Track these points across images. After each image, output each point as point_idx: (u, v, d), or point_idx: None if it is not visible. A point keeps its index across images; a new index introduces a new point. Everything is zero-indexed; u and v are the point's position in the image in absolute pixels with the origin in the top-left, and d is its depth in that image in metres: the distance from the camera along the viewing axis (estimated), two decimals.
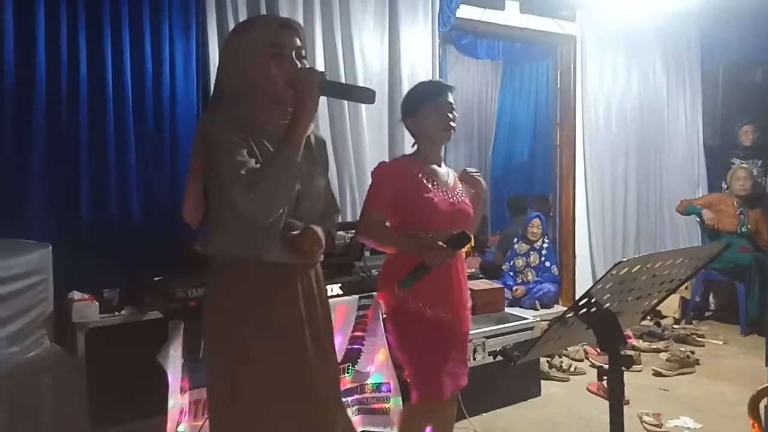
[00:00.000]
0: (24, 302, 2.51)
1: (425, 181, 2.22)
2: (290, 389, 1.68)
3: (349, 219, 3.73)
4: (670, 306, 5.22)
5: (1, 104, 2.81)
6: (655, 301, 1.61)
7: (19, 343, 2.49)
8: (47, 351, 2.58)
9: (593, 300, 1.37)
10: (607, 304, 1.41)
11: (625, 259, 1.31)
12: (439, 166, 2.32)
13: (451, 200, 2.24)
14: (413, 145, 2.35)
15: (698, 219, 5.43)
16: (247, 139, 1.60)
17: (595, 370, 3.86)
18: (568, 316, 1.40)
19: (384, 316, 2.30)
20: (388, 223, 2.28)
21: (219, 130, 1.60)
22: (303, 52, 1.69)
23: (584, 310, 1.39)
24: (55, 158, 2.93)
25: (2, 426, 2.28)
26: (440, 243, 2.08)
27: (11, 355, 2.44)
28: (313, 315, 1.76)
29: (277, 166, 1.54)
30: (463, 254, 2.30)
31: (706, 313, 5.46)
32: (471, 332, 2.70)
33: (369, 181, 3.92)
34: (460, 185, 2.35)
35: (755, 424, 1.94)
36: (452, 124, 2.23)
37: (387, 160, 2.43)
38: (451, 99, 2.24)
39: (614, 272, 1.31)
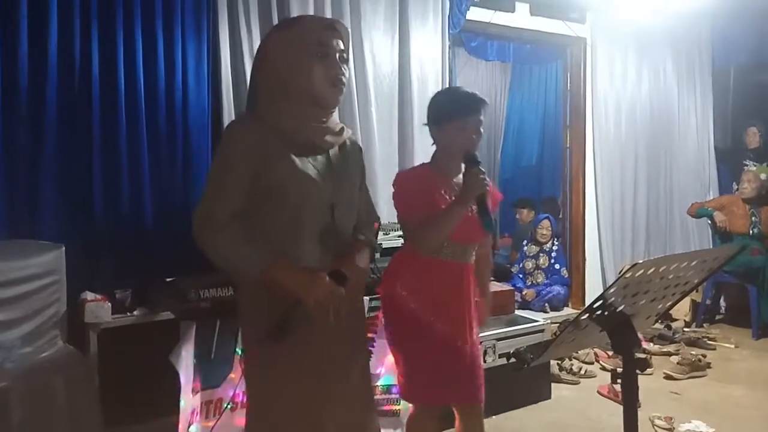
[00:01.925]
0: (37, 303, 2.53)
1: (443, 193, 2.15)
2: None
3: None
4: (681, 309, 5.18)
5: (13, 105, 2.83)
6: (669, 303, 1.61)
7: (33, 343, 2.51)
8: (60, 351, 2.59)
9: (608, 302, 1.37)
10: (622, 307, 1.40)
11: (641, 261, 1.30)
12: (457, 176, 2.21)
13: (468, 213, 2.13)
14: (433, 149, 2.26)
15: (709, 221, 5.40)
16: (265, 155, 1.56)
17: (606, 373, 3.90)
18: (582, 318, 1.40)
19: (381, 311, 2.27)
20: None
21: (232, 144, 1.58)
22: (345, 55, 1.66)
23: (599, 312, 1.39)
24: (68, 159, 2.95)
25: (16, 425, 2.28)
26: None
27: (25, 355, 2.45)
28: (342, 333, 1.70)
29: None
30: (471, 280, 2.23)
31: (717, 316, 5.41)
32: (481, 335, 2.69)
33: (379, 181, 4.00)
34: None
35: None
36: (476, 144, 2.14)
37: (403, 171, 2.39)
38: (482, 116, 2.13)
39: (629, 274, 1.30)
